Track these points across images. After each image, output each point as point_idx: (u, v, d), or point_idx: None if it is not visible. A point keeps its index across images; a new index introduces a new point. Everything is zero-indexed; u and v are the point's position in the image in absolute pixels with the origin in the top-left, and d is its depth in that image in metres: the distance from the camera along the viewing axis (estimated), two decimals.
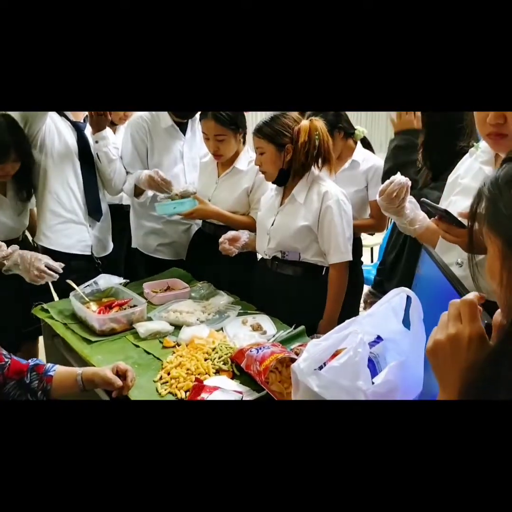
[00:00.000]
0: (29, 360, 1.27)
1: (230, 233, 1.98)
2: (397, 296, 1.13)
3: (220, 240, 1.95)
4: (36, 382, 1.22)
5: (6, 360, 1.22)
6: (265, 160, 1.80)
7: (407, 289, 1.12)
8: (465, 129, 1.59)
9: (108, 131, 2.16)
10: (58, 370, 1.25)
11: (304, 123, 1.75)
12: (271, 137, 1.76)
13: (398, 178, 1.32)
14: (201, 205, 2.07)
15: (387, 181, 1.33)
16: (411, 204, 1.36)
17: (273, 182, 1.87)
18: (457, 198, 1.28)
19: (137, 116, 2.24)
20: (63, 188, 2.11)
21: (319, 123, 1.77)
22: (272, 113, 1.80)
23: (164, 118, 2.20)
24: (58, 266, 1.79)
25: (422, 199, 1.28)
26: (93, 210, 2.18)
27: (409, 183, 1.33)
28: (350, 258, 1.81)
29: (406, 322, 1.14)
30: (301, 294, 1.85)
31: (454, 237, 1.17)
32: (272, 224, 1.87)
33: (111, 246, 2.34)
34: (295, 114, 1.80)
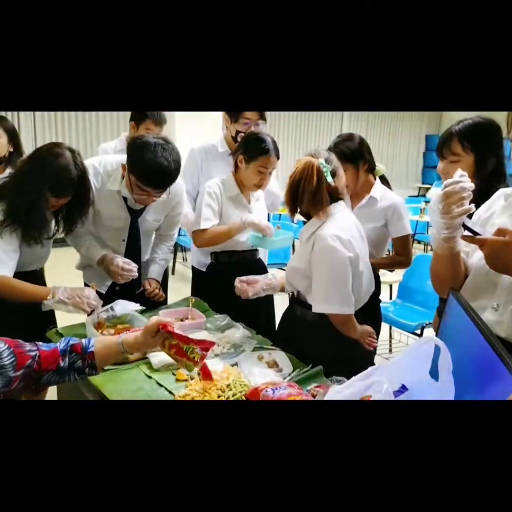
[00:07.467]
0: (58, 344, 1.27)
1: (248, 277, 1.98)
2: (424, 344, 1.08)
3: (236, 282, 1.96)
4: (79, 361, 1.26)
5: (33, 354, 1.19)
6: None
7: (435, 338, 1.07)
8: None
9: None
10: (96, 346, 1.29)
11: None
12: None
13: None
14: None
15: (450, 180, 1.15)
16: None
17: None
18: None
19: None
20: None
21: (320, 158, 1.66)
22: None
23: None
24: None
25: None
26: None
27: (469, 192, 1.13)
28: (329, 311, 1.65)
29: (433, 373, 1.09)
30: (312, 335, 1.77)
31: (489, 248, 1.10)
32: None
33: None
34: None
